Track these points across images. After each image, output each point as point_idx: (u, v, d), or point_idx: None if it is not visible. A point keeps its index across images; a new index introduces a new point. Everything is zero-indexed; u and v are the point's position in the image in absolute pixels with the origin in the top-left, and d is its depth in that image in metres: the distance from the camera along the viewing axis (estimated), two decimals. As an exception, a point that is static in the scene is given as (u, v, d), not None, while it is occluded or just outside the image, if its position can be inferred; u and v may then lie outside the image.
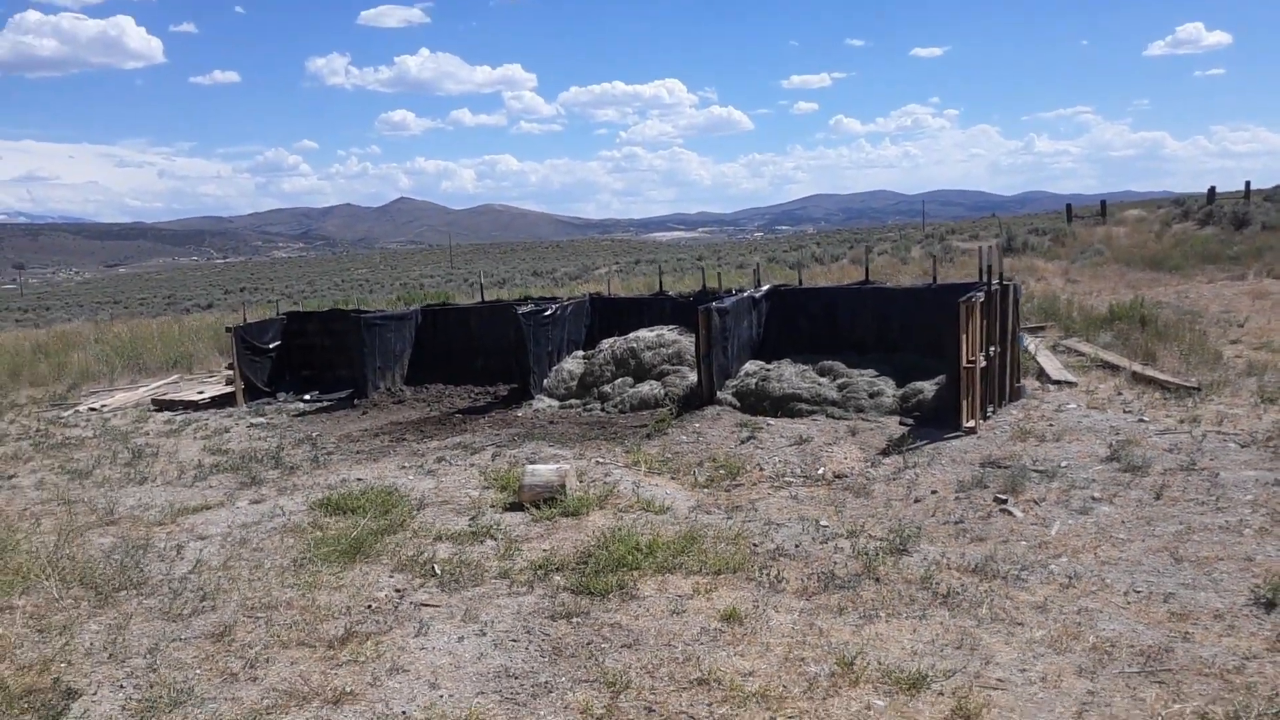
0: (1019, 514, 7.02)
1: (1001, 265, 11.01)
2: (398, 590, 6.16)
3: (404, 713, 4.49)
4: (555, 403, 12.60)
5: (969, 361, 9.47)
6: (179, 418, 13.72)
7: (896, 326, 12.16)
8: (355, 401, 13.77)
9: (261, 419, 13.26)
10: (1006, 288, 10.44)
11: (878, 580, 5.90)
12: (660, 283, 16.13)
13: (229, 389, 15.28)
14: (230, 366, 15.29)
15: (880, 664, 4.73)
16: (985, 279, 10.33)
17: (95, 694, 4.80)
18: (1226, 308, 17.12)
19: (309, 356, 15.67)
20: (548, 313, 13.29)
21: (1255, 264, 23.16)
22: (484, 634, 5.41)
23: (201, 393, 15.26)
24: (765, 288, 13.05)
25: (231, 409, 14.27)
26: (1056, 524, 6.76)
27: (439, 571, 6.45)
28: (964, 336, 9.41)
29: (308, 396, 14.66)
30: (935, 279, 12.97)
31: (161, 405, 14.96)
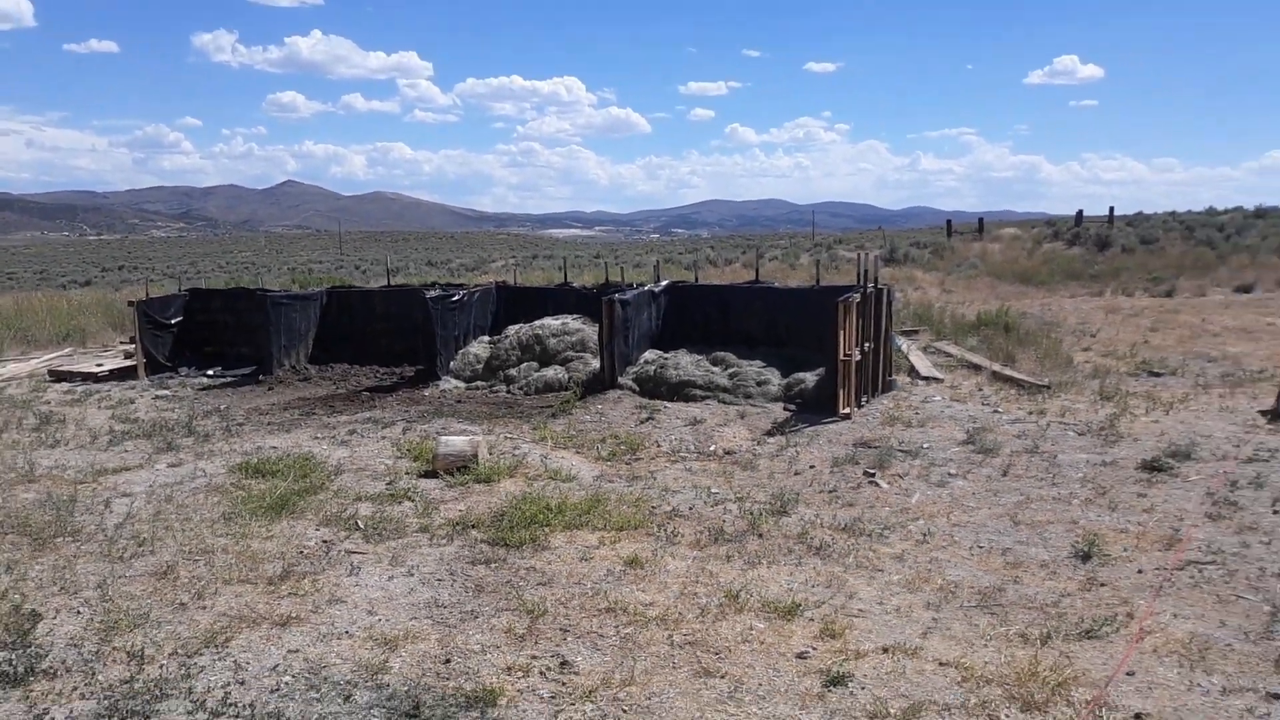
0: (885, 485, 7.97)
1: (878, 272, 12.07)
2: (325, 541, 6.67)
3: (347, 632, 5.07)
4: (462, 384, 13.13)
5: (845, 355, 10.45)
6: (79, 389, 13.68)
7: (783, 323, 13.12)
8: (260, 378, 13.99)
9: (166, 391, 13.37)
10: (881, 291, 11.48)
11: (760, 536, 6.72)
12: (565, 275, 16.81)
13: (128, 363, 15.25)
14: (131, 340, 15.26)
15: (761, 597, 5.53)
16: (862, 282, 11.35)
17: (55, 618, 5.22)
18: (1083, 320, 18.72)
19: (211, 333, 15.74)
20: (455, 298, 13.80)
21: (1112, 282, 25.24)
22: (411, 575, 6.00)
23: (100, 365, 15.19)
24: (664, 283, 13.87)
25: (133, 381, 14.28)
26: (916, 494, 7.72)
27: (362, 526, 6.98)
28: (841, 332, 10.38)
29: (210, 372, 14.78)
30: (819, 281, 14.00)
31: (59, 376, 14.83)
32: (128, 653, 4.76)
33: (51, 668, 4.58)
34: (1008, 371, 12.60)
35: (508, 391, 12.62)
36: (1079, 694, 4.36)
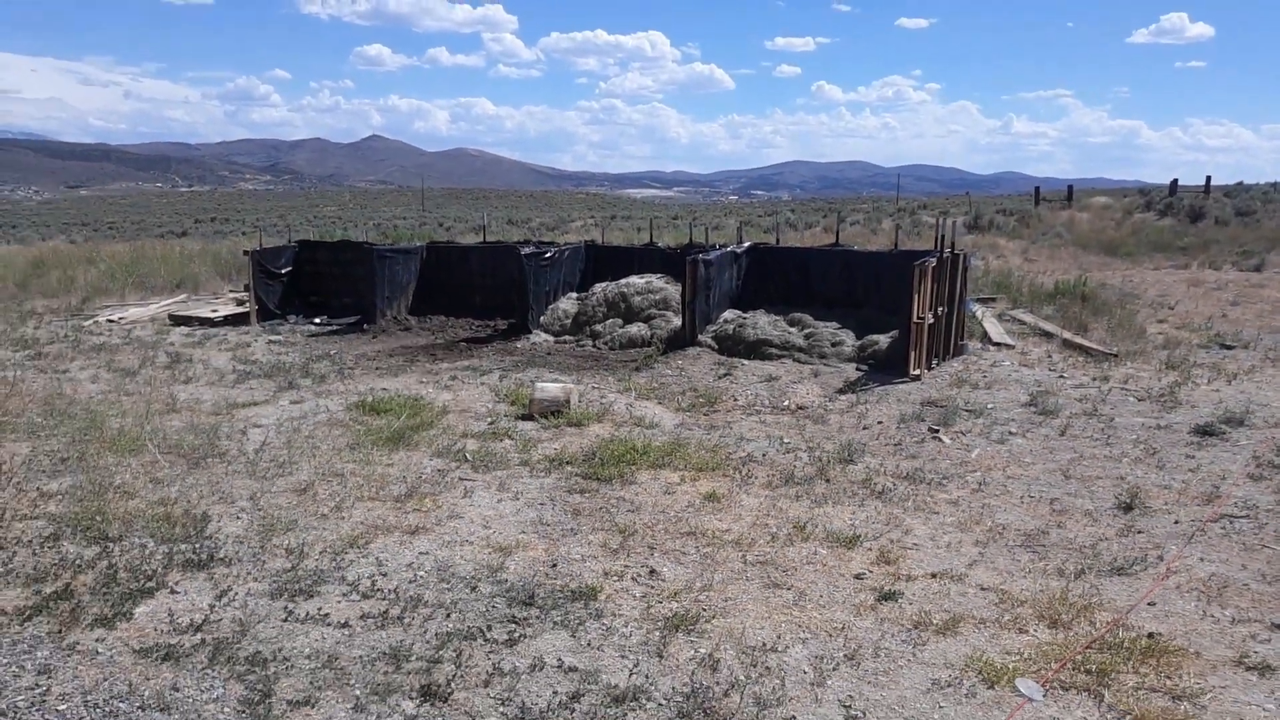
0: (947, 441, 8.55)
1: (956, 238, 12.48)
2: (439, 470, 7.54)
3: (467, 540, 5.91)
4: (550, 338, 13.97)
5: (918, 318, 10.96)
6: (199, 332, 14.91)
7: (860, 286, 13.63)
8: (364, 327, 15.03)
9: (278, 337, 14.49)
10: (958, 257, 11.92)
11: (828, 480, 7.38)
12: (650, 235, 17.50)
13: (240, 309, 16.47)
14: (246, 288, 16.44)
15: (826, 530, 6.22)
16: (940, 248, 11.80)
17: (220, 520, 6.17)
18: (1164, 292, 18.75)
19: (318, 283, 16.85)
20: (547, 255, 14.61)
21: (1200, 255, 24.93)
22: (517, 499, 6.83)
23: (215, 311, 16.43)
24: (746, 244, 14.47)
25: (246, 327, 15.46)
26: (976, 449, 8.29)
27: (470, 458, 7.84)
28: (916, 296, 10.89)
29: (318, 320, 15.89)
30: (897, 245, 14.43)
31: (178, 320, 16.12)
32: (286, 549, 5.67)
33: (227, 557, 5.51)
34: (1078, 340, 12.94)
35: (594, 346, 13.41)
36: (1101, 617, 4.97)
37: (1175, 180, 41.65)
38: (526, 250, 14.49)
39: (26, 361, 12.17)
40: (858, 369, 11.47)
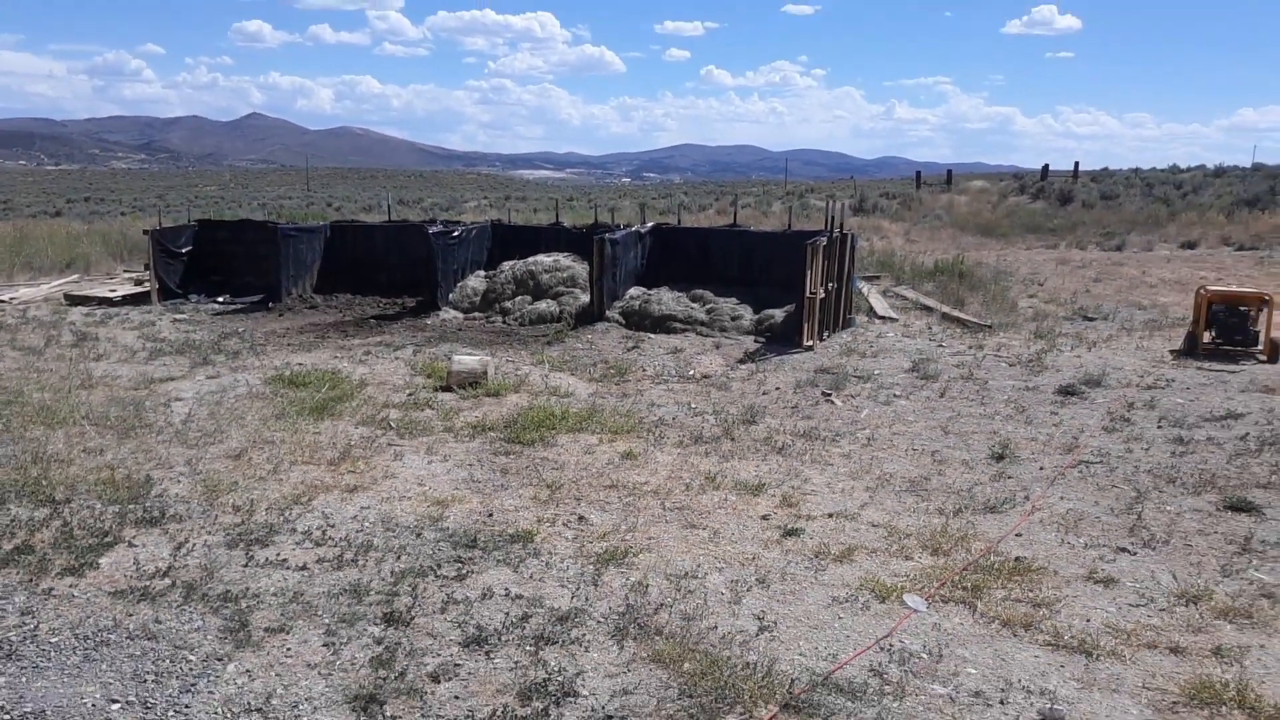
0: (839, 403, 9.32)
1: (844, 219, 13.32)
2: (365, 437, 7.90)
3: (405, 496, 6.33)
4: (460, 315, 14.30)
5: (811, 293, 11.74)
6: (98, 312, 14.69)
7: (757, 264, 14.38)
8: (270, 305, 15.06)
9: (183, 316, 14.42)
10: (846, 236, 12.76)
11: (733, 439, 8.02)
12: (556, 215, 17.93)
13: (139, 289, 16.25)
14: (146, 267, 16.22)
15: (734, 480, 6.86)
16: (830, 228, 12.61)
17: (162, 484, 6.43)
18: (1034, 270, 20.12)
19: (219, 263, 16.71)
20: (455, 234, 14.91)
21: (1068, 236, 26.68)
22: (446, 460, 7.26)
23: (114, 291, 16.17)
24: (650, 225, 15.06)
25: (147, 306, 15.29)
26: (865, 410, 9.08)
27: (394, 426, 8.21)
28: (809, 272, 11.66)
29: (221, 299, 15.81)
30: (790, 226, 15.24)
31: (75, 300, 15.81)
32: (233, 507, 6.00)
33: (177, 514, 5.81)
34: (956, 313, 13.98)
35: (504, 322, 13.80)
36: (976, 546, 5.73)
37: (1046, 165, 44.04)
38: (434, 229, 14.76)
39: (-82, 341, 11.89)
40: (756, 341, 12.20)
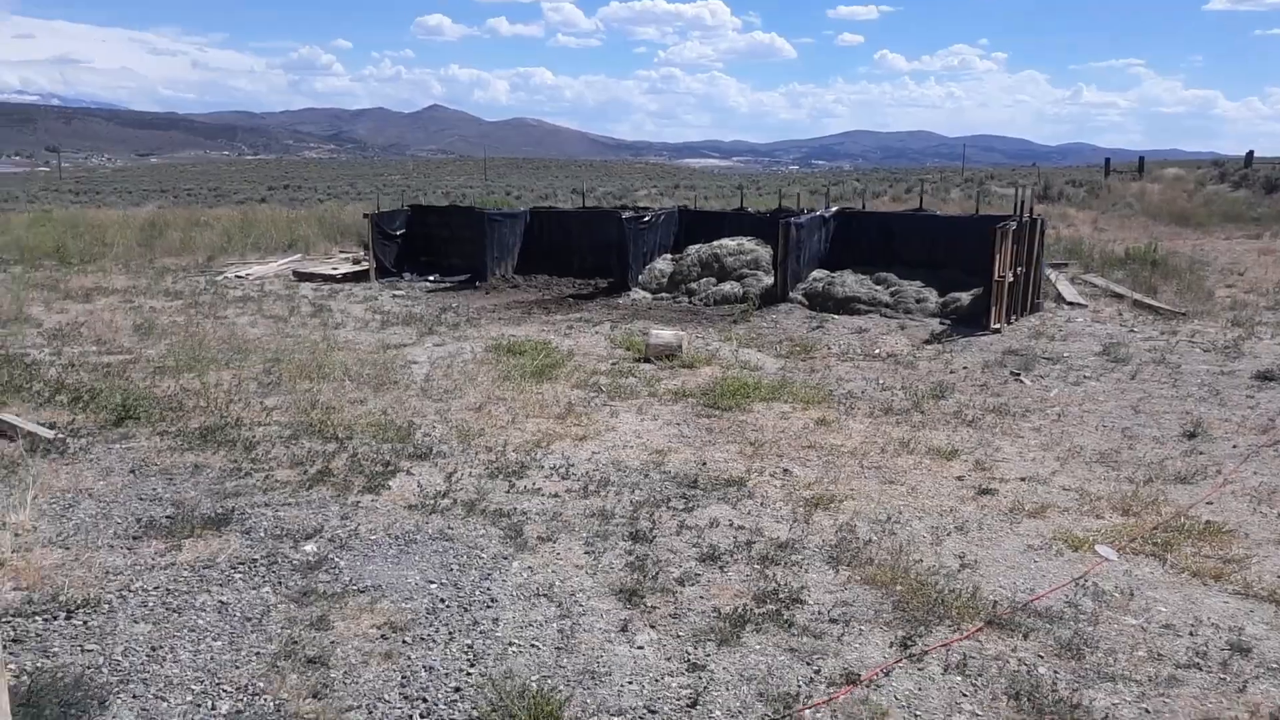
0: (1028, 383, 9.57)
1: (1033, 205, 13.36)
2: (582, 398, 8.77)
3: (626, 445, 7.13)
4: (649, 295, 15.15)
5: (999, 276, 11.92)
6: (324, 288, 16.34)
7: (941, 248, 14.56)
8: (476, 284, 16.35)
9: (400, 292, 15.88)
10: (1035, 221, 12.82)
11: (922, 412, 8.46)
12: (741, 201, 18.59)
13: (356, 268, 17.90)
14: (366, 248, 17.87)
15: (927, 446, 7.32)
16: (1019, 212, 12.71)
17: (422, 428, 7.47)
18: (1234, 260, 19.28)
19: (429, 245, 18.18)
20: (646, 219, 15.77)
21: (1274, 226, 25.18)
22: (656, 419, 8.03)
23: (335, 269, 17.88)
24: (833, 209, 15.49)
25: (366, 283, 16.87)
26: (1055, 389, 9.30)
27: (604, 389, 9.06)
28: (997, 256, 11.84)
29: (432, 278, 17.25)
30: (978, 211, 15.31)
31: (302, 276, 17.60)
32: (486, 447, 6.95)
33: (441, 452, 6.80)
34: (1148, 300, 13.77)
35: (690, 302, 14.56)
36: (1166, 510, 6.02)
37: (1251, 152, 41.31)
38: (626, 214, 15.65)
39: (185, 309, 13.67)
40: (941, 323, 12.47)
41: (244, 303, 14.39)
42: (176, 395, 8.20)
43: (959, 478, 6.60)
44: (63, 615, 4.12)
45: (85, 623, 4.09)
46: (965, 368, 10.26)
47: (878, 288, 13.55)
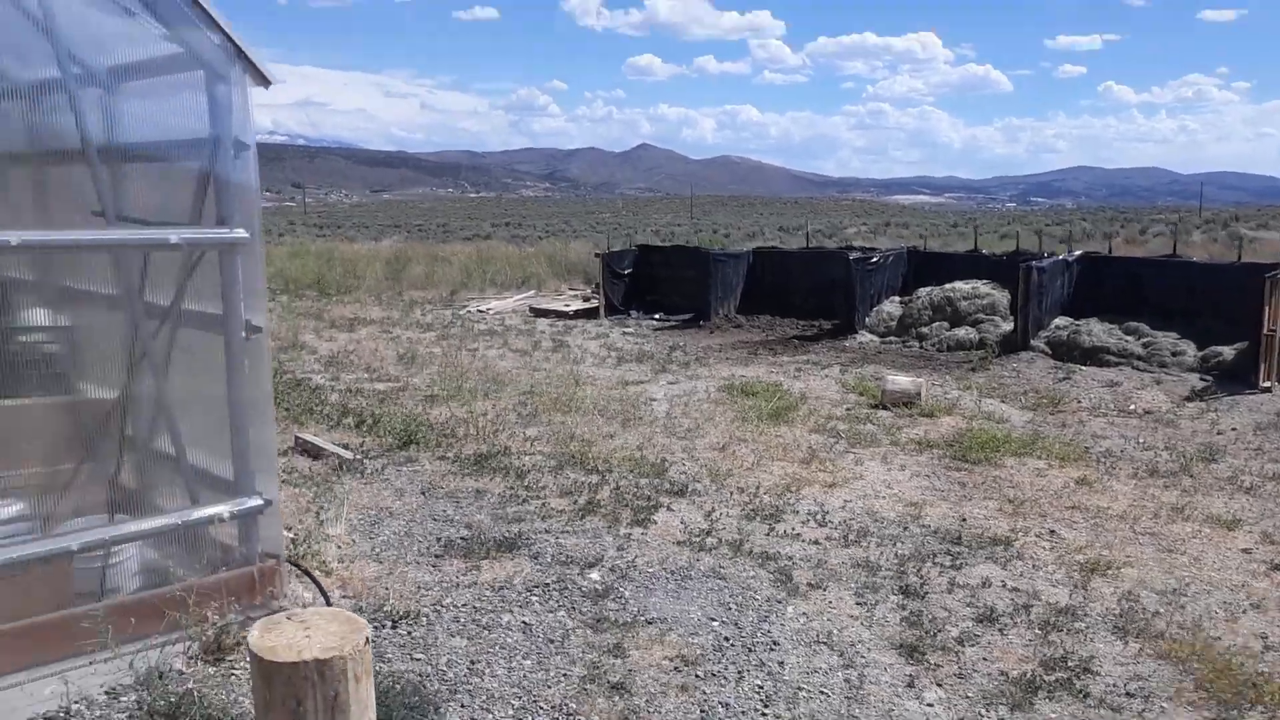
0: (1311, 449, 8.80)
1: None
2: (822, 443, 8.79)
3: (878, 495, 7.12)
4: (876, 338, 14.99)
5: (1269, 330, 11.04)
6: (559, 323, 17.14)
7: (1197, 297, 13.61)
8: (700, 323, 16.70)
9: (629, 329, 16.44)
10: (1314, 270, 11.79)
11: (1192, 476, 7.95)
12: (975, 243, 18.12)
13: (585, 305, 18.68)
14: (596, 286, 18.64)
15: (1204, 513, 6.89)
16: (1294, 262, 11.74)
17: (673, 464, 7.73)
18: None
19: (654, 284, 18.75)
20: (874, 259, 15.66)
21: None
22: (904, 470, 7.95)
23: (567, 305, 18.75)
24: (1077, 252, 14.84)
25: (597, 320, 17.55)
26: (1344, 458, 8.51)
27: (843, 435, 9.05)
28: (1266, 308, 10.99)
29: (657, 316, 17.76)
30: (1240, 257, 14.26)
31: (537, 312, 18.54)
32: (738, 488, 7.12)
33: (695, 490, 7.03)
34: None
35: (920, 347, 14.29)
36: None
37: None
38: (854, 255, 15.58)
39: (438, 341, 14.70)
40: (1201, 379, 11.66)
41: (490, 335, 15.32)
42: (448, 423, 8.86)
43: (1245, 550, 6.17)
44: (389, 624, 4.57)
45: (409, 633, 4.52)
46: (1234, 429, 9.56)
47: (1128, 338, 12.83)
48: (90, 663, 4.16)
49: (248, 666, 4.12)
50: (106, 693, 4.05)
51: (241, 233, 4.18)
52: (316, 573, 4.94)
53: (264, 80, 4.07)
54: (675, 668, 4.25)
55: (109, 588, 4.73)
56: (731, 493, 7.02)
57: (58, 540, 4.23)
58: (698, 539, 5.92)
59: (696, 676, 4.18)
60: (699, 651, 4.40)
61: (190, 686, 3.98)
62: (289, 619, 3.60)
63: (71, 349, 5.15)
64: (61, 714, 3.91)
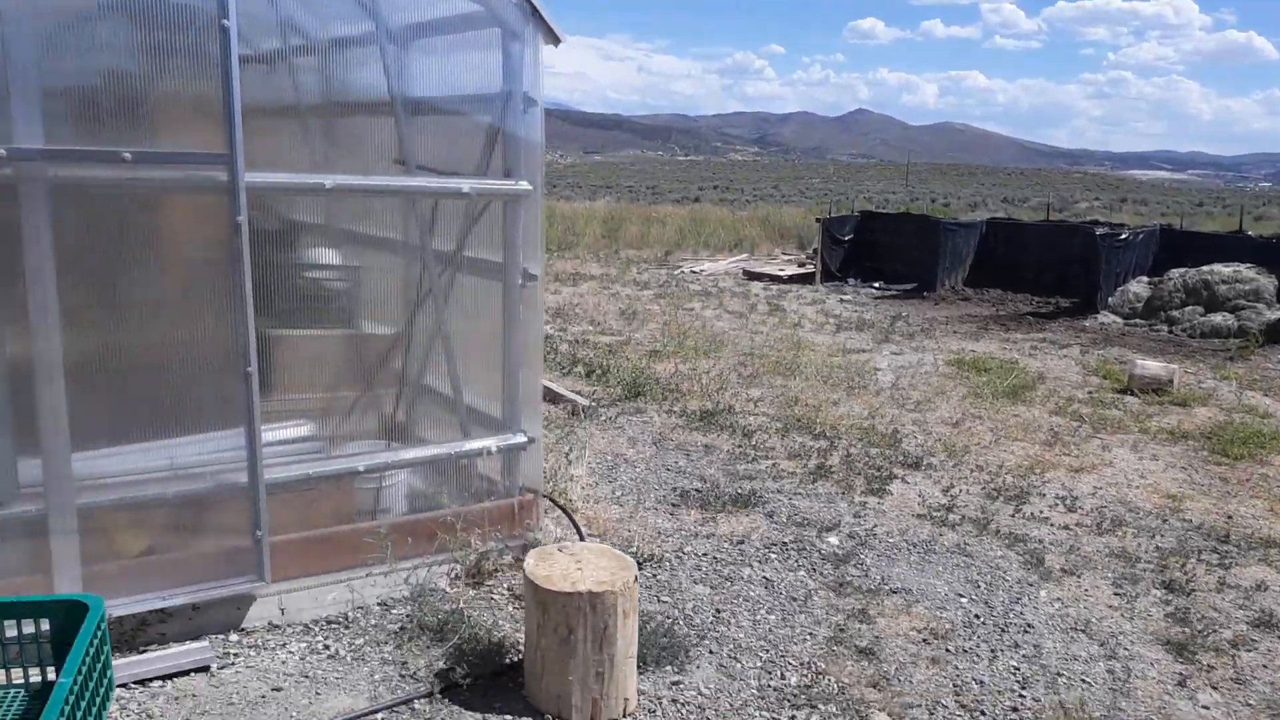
0: None
1: None
2: (1063, 426, 8.34)
3: (1131, 484, 6.69)
4: (1119, 320, 14.02)
5: None
6: (773, 287, 17.03)
7: None
8: (924, 294, 16.16)
9: (847, 297, 16.13)
10: None
11: None
12: (1240, 224, 16.61)
13: (800, 270, 18.45)
14: (808, 251, 18.40)
15: None
16: None
17: (905, 437, 7.56)
18: None
19: (874, 251, 18.28)
20: (1123, 236, 14.60)
21: None
22: (1156, 459, 7.43)
23: (781, 270, 18.58)
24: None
25: (812, 286, 17.32)
26: None
27: (1086, 418, 8.54)
28: None
29: (876, 284, 17.33)
30: None
31: (751, 275, 18.49)
32: (977, 466, 6.89)
33: (931, 464, 6.85)
34: None
35: (1169, 332, 13.26)
36: None
37: None
38: (1101, 231, 14.60)
39: (655, 299, 14.94)
40: None
41: (704, 296, 15.45)
42: (673, 378, 9.03)
43: None
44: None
45: (654, 575, 4.67)
46: None
47: None
48: (368, 574, 4.52)
49: (506, 592, 4.40)
50: (380, 604, 4.41)
51: (525, 185, 4.38)
52: (569, 509, 5.18)
53: (554, 38, 4.23)
54: (924, 639, 4.18)
55: (380, 508, 5.14)
56: (970, 470, 6.79)
57: (347, 460, 4.62)
58: (938, 514, 5.77)
59: (947, 651, 4.10)
60: (948, 626, 4.31)
61: (457, 606, 4.27)
62: (560, 550, 3.79)
63: (355, 287, 5.58)
64: (342, 619, 4.29)
